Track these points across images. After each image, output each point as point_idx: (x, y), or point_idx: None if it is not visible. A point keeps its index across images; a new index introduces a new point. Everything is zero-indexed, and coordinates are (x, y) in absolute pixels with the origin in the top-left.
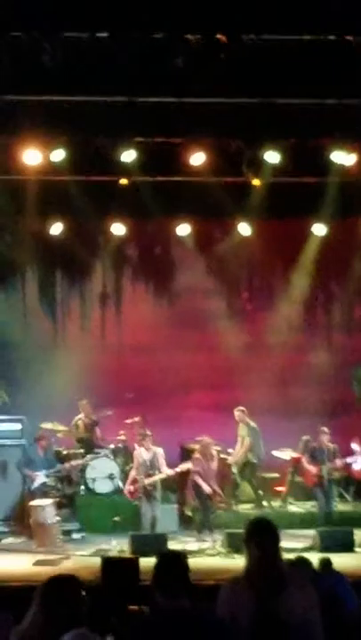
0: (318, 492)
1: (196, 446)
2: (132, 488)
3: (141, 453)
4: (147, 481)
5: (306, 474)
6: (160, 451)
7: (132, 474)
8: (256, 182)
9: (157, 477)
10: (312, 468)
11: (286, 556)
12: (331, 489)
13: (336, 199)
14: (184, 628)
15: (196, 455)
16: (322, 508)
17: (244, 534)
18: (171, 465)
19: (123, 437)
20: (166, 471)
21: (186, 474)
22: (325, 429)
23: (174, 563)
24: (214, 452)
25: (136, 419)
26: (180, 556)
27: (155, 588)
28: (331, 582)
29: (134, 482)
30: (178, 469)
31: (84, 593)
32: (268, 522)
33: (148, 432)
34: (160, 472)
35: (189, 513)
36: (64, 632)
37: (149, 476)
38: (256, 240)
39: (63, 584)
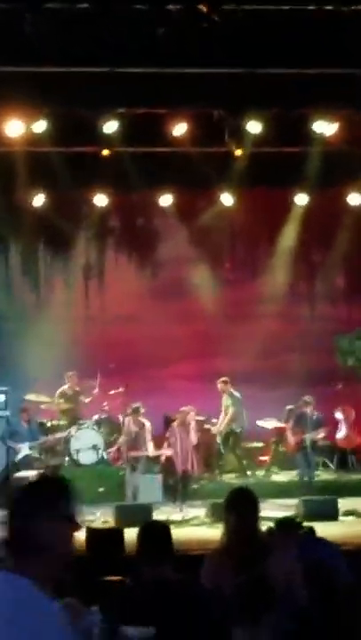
0: (300, 458)
1: (179, 416)
2: (115, 454)
3: (129, 425)
4: (131, 454)
5: (288, 442)
6: (148, 425)
7: (120, 440)
8: (239, 152)
9: (141, 454)
10: (292, 438)
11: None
12: (312, 457)
13: (318, 169)
14: (168, 597)
15: (174, 424)
16: (302, 475)
17: (224, 504)
18: (154, 436)
19: (106, 408)
20: (149, 451)
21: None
22: (309, 399)
23: (158, 532)
24: (192, 423)
25: (120, 389)
26: (164, 526)
27: (139, 558)
28: (317, 549)
29: (118, 449)
30: (158, 452)
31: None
32: (248, 491)
33: (142, 409)
34: (146, 448)
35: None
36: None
37: (134, 448)
38: (239, 210)
39: None
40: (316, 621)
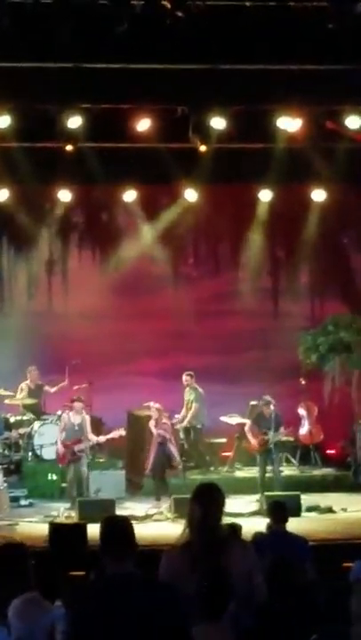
0: (259, 458)
1: (143, 412)
2: (61, 452)
3: (70, 417)
4: (76, 447)
5: (250, 442)
6: (88, 418)
7: (61, 437)
8: (203, 148)
9: (88, 444)
10: (252, 438)
11: (235, 519)
12: (274, 456)
13: (282, 165)
14: (130, 591)
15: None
16: (263, 474)
17: (191, 496)
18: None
19: (69, 404)
20: (95, 438)
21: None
22: (268, 399)
23: (120, 527)
24: (153, 420)
25: (85, 385)
26: (126, 521)
27: (102, 553)
28: (284, 545)
29: (65, 445)
30: (109, 436)
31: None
32: (215, 486)
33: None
34: (88, 439)
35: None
36: (12, 597)
37: (78, 441)
38: (202, 206)
39: (10, 552)
40: (275, 618)
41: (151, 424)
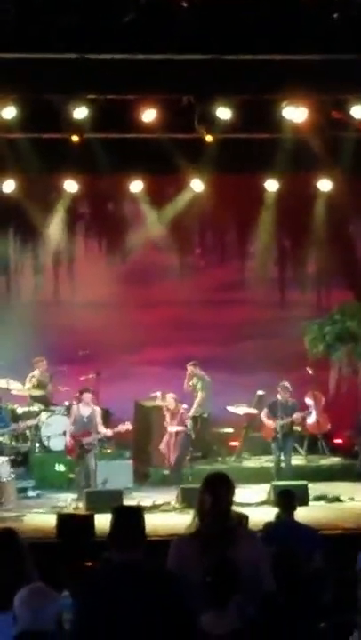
0: (273, 446)
1: (150, 403)
2: (70, 444)
3: (80, 409)
4: (85, 440)
5: (265, 428)
6: (98, 410)
7: (71, 429)
8: (208, 138)
9: (97, 437)
10: (270, 423)
11: (243, 509)
12: (285, 443)
13: (288, 155)
14: (137, 580)
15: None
16: (275, 463)
17: (201, 484)
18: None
19: (77, 394)
20: (104, 432)
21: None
22: (287, 384)
23: (131, 516)
24: (167, 410)
25: (91, 375)
26: (137, 511)
27: (110, 542)
28: (293, 534)
29: (73, 438)
30: (117, 430)
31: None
32: (224, 474)
33: (91, 389)
34: (97, 432)
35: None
36: (13, 588)
37: (88, 433)
38: (209, 196)
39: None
40: (279, 608)
41: (167, 414)
